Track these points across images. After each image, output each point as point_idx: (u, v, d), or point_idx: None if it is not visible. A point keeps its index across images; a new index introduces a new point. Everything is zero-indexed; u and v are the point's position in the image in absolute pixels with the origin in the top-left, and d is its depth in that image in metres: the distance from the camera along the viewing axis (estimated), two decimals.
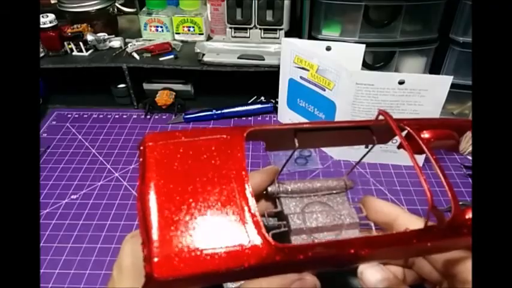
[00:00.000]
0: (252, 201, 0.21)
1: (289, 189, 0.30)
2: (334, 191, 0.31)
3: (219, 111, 0.67)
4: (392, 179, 0.55)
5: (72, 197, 0.52)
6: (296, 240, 0.27)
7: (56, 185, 0.54)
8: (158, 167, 0.22)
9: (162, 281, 0.18)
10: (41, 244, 0.46)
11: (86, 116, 0.69)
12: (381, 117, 0.26)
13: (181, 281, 0.18)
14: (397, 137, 0.26)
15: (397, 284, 0.25)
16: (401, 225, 0.29)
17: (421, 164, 0.56)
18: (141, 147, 0.23)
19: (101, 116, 0.69)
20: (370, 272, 0.25)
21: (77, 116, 0.69)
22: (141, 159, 0.22)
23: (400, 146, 0.28)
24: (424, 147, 0.25)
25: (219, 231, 0.19)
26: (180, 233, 0.19)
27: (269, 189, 0.30)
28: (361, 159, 0.30)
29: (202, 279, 0.19)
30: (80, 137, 0.64)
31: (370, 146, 0.29)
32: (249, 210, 0.20)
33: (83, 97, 0.73)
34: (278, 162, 0.57)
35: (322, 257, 0.20)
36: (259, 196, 0.30)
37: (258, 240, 0.19)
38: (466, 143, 0.58)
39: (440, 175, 0.22)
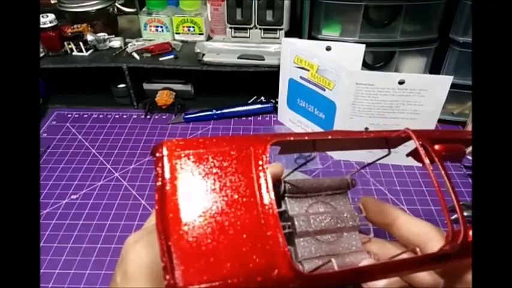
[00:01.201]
0: (280, 228, 0.20)
1: (295, 189, 0.30)
2: (338, 191, 0.31)
3: (219, 111, 0.67)
4: (393, 179, 0.55)
5: (72, 197, 0.52)
6: (300, 242, 0.27)
7: (56, 185, 0.54)
8: (179, 180, 0.21)
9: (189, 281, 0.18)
10: (41, 244, 0.46)
11: (86, 116, 0.69)
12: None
13: None
14: (407, 143, 0.26)
15: None
16: (400, 226, 0.29)
17: (420, 164, 0.56)
18: (158, 154, 0.22)
19: (101, 116, 0.69)
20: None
21: (77, 116, 0.69)
22: (158, 170, 0.21)
23: (409, 155, 0.28)
24: (437, 161, 0.26)
25: (242, 249, 0.19)
26: (203, 253, 0.19)
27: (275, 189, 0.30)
28: (369, 164, 0.30)
29: None
30: (80, 137, 0.64)
31: (387, 153, 0.29)
32: (275, 232, 0.20)
33: (83, 97, 0.73)
34: (278, 161, 0.56)
35: (341, 283, 0.21)
36: None
37: (284, 270, 0.19)
38: None
39: (449, 188, 0.23)
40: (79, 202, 0.51)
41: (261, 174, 0.22)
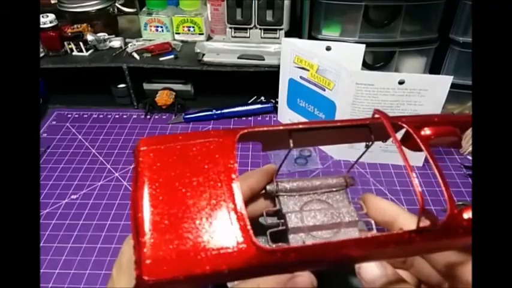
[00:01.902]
0: (240, 205, 0.21)
1: (288, 188, 0.30)
2: (334, 189, 0.31)
3: (219, 111, 0.67)
4: (392, 179, 0.55)
5: (72, 197, 0.52)
6: (294, 238, 0.27)
7: (56, 185, 0.54)
8: (150, 172, 0.23)
9: (151, 283, 0.19)
10: (41, 244, 0.46)
11: (86, 116, 0.69)
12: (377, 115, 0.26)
13: (169, 283, 0.19)
14: (398, 136, 0.25)
15: (396, 280, 0.24)
16: (401, 225, 0.29)
17: (421, 164, 0.56)
18: (135, 152, 0.23)
19: (101, 116, 0.69)
20: (368, 269, 0.25)
21: (77, 116, 0.69)
22: (134, 164, 0.23)
23: (402, 144, 0.28)
24: (422, 145, 0.25)
25: (207, 235, 0.20)
26: (169, 237, 0.20)
27: (267, 187, 0.30)
28: (360, 157, 0.30)
29: (190, 281, 0.19)
30: (80, 137, 0.64)
31: (369, 144, 0.29)
32: (237, 213, 0.21)
33: (83, 97, 0.73)
34: (278, 161, 0.57)
35: (311, 259, 0.20)
36: (258, 195, 0.31)
37: (244, 244, 0.20)
38: (466, 143, 0.58)
39: (437, 174, 0.22)
40: (79, 202, 0.51)
41: (229, 162, 0.23)
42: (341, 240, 0.21)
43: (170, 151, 0.24)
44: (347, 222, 0.28)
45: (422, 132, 0.26)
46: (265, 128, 0.26)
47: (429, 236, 0.21)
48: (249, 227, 0.20)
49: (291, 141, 0.26)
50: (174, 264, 0.19)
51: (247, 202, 0.31)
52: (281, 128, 0.26)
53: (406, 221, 0.29)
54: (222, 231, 0.20)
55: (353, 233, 0.28)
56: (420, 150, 0.26)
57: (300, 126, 0.26)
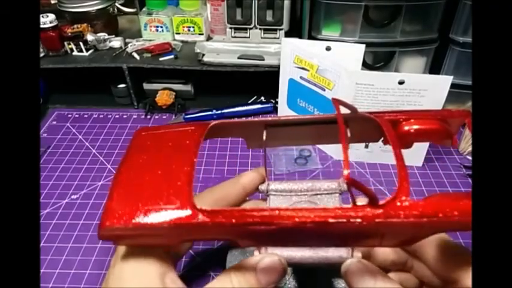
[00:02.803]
0: (187, 179, 0.25)
1: (279, 188, 0.31)
2: (326, 192, 0.31)
3: (219, 111, 0.67)
4: (392, 179, 0.55)
5: (72, 197, 0.52)
6: (274, 201, 0.29)
7: (56, 185, 0.54)
8: (133, 152, 0.29)
9: (106, 231, 0.25)
10: (41, 244, 0.46)
11: (86, 116, 0.69)
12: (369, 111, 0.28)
13: (120, 230, 0.24)
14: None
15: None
16: None
17: (420, 164, 0.56)
18: (133, 135, 0.30)
19: (101, 116, 0.69)
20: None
21: (77, 116, 0.69)
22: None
23: (385, 142, 0.28)
24: (385, 130, 0.26)
25: (157, 199, 0.25)
26: (126, 202, 0.25)
27: (259, 187, 0.32)
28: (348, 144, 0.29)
29: (137, 230, 0.24)
30: (80, 137, 0.64)
31: (367, 144, 0.29)
32: (183, 186, 0.25)
33: (83, 97, 0.73)
34: (278, 162, 0.57)
35: (249, 223, 0.23)
36: (251, 193, 0.33)
37: (185, 206, 0.24)
38: (466, 143, 0.58)
39: (395, 157, 0.24)
40: (79, 202, 0.51)
41: (194, 147, 0.27)
42: (275, 208, 0.23)
43: (153, 137, 0.29)
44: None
45: (406, 127, 0.27)
46: (236, 120, 0.29)
47: (371, 215, 0.22)
48: (192, 194, 0.24)
49: (264, 132, 0.29)
50: (126, 217, 0.24)
51: (241, 201, 0.32)
52: (255, 120, 0.29)
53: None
54: (168, 197, 0.25)
55: None
56: (407, 147, 0.27)
57: (276, 119, 0.29)
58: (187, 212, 0.23)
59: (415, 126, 0.27)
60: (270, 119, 0.29)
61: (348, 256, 0.26)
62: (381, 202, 0.22)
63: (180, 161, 0.26)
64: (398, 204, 0.22)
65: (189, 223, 0.23)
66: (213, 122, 0.29)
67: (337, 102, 0.26)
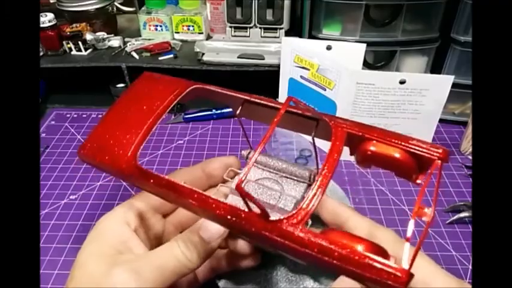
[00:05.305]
0: (145, 129, 0.29)
1: (257, 160, 0.33)
2: (295, 178, 0.32)
3: (219, 111, 0.67)
4: (393, 179, 0.55)
5: (71, 197, 0.52)
6: (231, 198, 0.31)
7: (54, 185, 0.54)
8: (128, 95, 0.33)
9: (82, 156, 0.31)
10: (40, 245, 0.45)
11: (85, 115, 0.69)
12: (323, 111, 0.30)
13: (87, 159, 0.31)
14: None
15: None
16: (351, 228, 0.30)
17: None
18: (137, 78, 0.35)
19: (100, 115, 0.69)
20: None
21: (75, 115, 0.69)
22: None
23: (352, 153, 0.29)
24: (332, 139, 0.28)
25: (120, 141, 0.29)
26: (101, 138, 0.30)
27: (242, 152, 0.34)
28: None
29: (98, 164, 0.30)
30: (79, 136, 0.63)
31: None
32: (142, 135, 0.29)
33: (81, 97, 0.73)
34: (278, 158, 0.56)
35: (167, 188, 0.27)
36: (217, 180, 0.35)
37: (128, 153, 0.29)
38: (467, 143, 0.58)
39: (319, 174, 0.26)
40: (78, 202, 0.51)
41: (170, 99, 0.31)
42: (189, 186, 0.26)
43: (146, 85, 0.33)
44: (279, 208, 0.29)
45: (370, 147, 0.26)
46: (218, 90, 0.34)
47: (258, 222, 0.23)
48: (139, 147, 0.29)
49: (240, 107, 0.33)
50: (94, 150, 0.30)
51: (204, 188, 0.35)
52: (235, 94, 0.33)
53: (355, 223, 0.30)
54: (127, 141, 0.29)
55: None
56: (364, 166, 0.29)
57: (254, 98, 0.32)
58: (128, 162, 0.28)
59: (373, 148, 0.27)
60: (247, 97, 0.33)
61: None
62: (274, 219, 0.23)
63: (154, 109, 0.31)
64: (284, 226, 0.23)
65: (124, 172, 0.28)
66: (196, 85, 0.33)
67: (289, 98, 0.27)
